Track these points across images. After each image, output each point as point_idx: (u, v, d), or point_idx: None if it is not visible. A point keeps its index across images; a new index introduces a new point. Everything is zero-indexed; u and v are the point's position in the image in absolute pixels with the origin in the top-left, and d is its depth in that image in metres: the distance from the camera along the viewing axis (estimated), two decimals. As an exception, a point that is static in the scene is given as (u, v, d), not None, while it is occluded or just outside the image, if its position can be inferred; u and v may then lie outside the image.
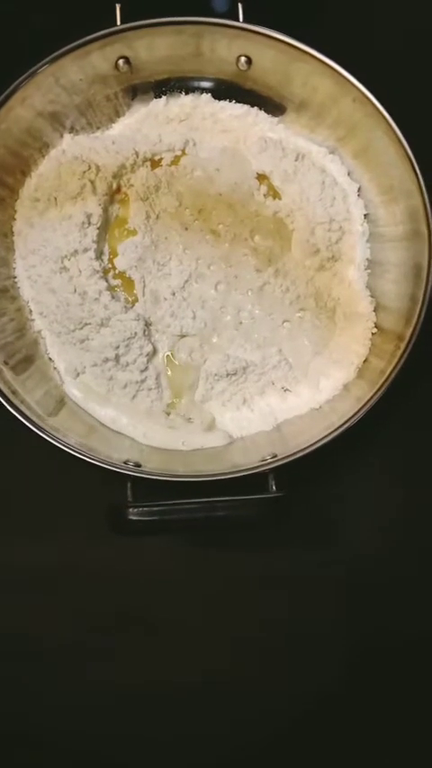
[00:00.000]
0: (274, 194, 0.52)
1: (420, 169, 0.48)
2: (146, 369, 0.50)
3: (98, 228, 0.50)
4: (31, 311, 0.51)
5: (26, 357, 0.50)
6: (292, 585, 0.52)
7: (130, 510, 0.42)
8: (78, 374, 0.50)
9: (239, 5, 0.49)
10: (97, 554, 0.51)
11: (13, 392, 0.46)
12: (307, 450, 0.46)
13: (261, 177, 0.52)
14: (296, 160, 0.52)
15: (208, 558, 0.52)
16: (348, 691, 0.52)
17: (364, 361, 0.51)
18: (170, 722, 0.51)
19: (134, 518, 0.41)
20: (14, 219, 0.51)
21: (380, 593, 0.53)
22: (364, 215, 0.53)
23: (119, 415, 0.51)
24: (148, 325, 0.51)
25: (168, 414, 0.51)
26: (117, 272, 0.51)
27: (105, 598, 0.51)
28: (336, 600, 0.53)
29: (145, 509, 0.42)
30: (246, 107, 0.53)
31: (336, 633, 0.52)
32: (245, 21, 0.49)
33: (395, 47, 0.57)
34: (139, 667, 0.51)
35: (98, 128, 0.53)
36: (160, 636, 0.51)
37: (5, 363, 0.47)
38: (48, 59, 0.48)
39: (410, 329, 0.47)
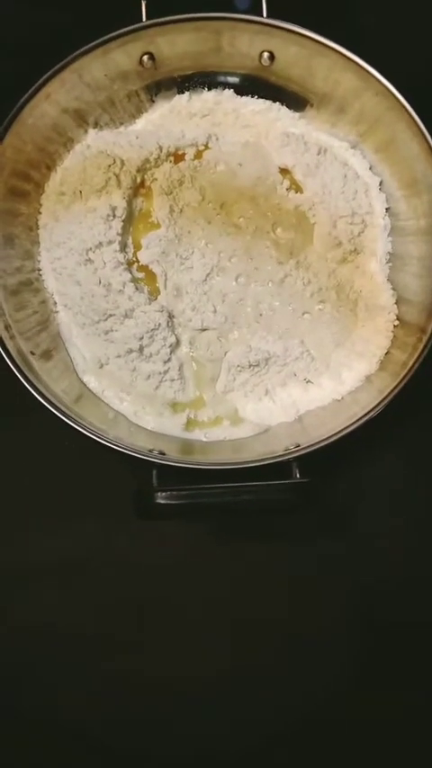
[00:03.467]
0: (297, 188, 0.53)
1: (444, 163, 0.48)
2: (169, 360, 0.51)
3: (123, 221, 0.51)
4: (55, 303, 0.52)
5: (50, 348, 0.50)
6: (312, 571, 0.52)
7: (158, 494, 0.42)
8: (102, 365, 0.51)
9: (263, 1, 0.50)
10: (122, 542, 0.51)
11: (41, 381, 0.47)
12: (330, 441, 0.46)
13: (283, 171, 0.53)
14: (318, 154, 0.52)
15: (232, 545, 0.52)
16: (365, 678, 0.52)
17: (387, 354, 0.51)
18: (192, 710, 0.51)
19: (162, 501, 0.42)
20: (40, 213, 0.52)
21: (395, 583, 0.53)
22: (386, 208, 0.53)
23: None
24: (171, 316, 0.51)
25: (177, 411, 0.51)
26: (140, 264, 0.51)
27: (128, 585, 0.51)
28: (353, 588, 0.53)
29: (173, 493, 0.42)
30: (268, 102, 0.54)
31: (353, 622, 0.52)
32: (268, 16, 0.50)
33: (418, 40, 0.57)
34: (163, 655, 0.51)
35: (121, 123, 0.54)
36: (186, 622, 0.52)
37: (32, 353, 0.48)
38: (72, 56, 0.49)
39: (433, 322, 0.48)
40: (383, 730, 0.51)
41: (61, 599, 0.51)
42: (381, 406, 0.47)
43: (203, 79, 0.54)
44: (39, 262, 0.52)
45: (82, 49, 0.49)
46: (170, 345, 0.51)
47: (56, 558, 0.52)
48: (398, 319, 0.51)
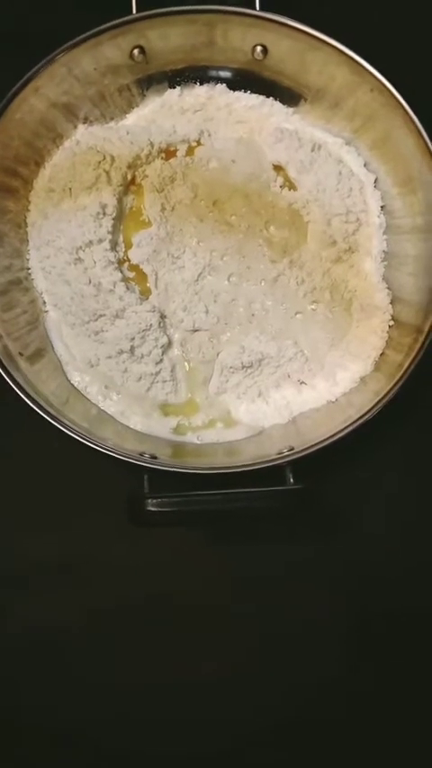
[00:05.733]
0: (290, 185, 0.52)
1: (440, 160, 0.47)
2: (161, 361, 0.50)
3: (113, 219, 0.50)
4: (44, 303, 0.51)
5: (38, 349, 0.50)
6: (307, 576, 0.52)
7: (149, 501, 0.41)
8: (93, 366, 0.50)
9: (256, -6, 0.49)
10: (113, 546, 0.51)
11: (29, 383, 0.46)
12: (324, 444, 0.45)
13: (277, 168, 0.52)
14: (312, 151, 0.51)
15: (225, 550, 0.52)
16: (365, 678, 0.52)
17: (382, 355, 0.50)
18: (191, 712, 0.51)
19: (153, 509, 0.41)
20: (28, 210, 0.51)
21: (394, 586, 0.53)
22: (381, 206, 0.52)
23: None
24: (162, 317, 0.50)
25: (168, 414, 0.51)
26: (131, 263, 0.51)
27: (121, 589, 0.51)
28: (351, 591, 0.53)
29: (164, 500, 0.41)
30: (261, 97, 0.53)
31: (350, 626, 0.52)
32: (261, 9, 0.49)
33: (413, 35, 0.56)
34: (161, 658, 0.51)
35: (112, 118, 0.53)
36: (181, 626, 0.51)
37: (20, 354, 0.47)
38: (62, 49, 0.48)
39: (429, 322, 0.47)
40: (383, 730, 0.52)
41: (55, 603, 0.51)
42: (376, 409, 0.46)
43: (195, 73, 0.53)
44: (28, 260, 0.51)
45: (71, 42, 0.48)
46: (162, 346, 0.50)
47: (48, 561, 0.51)
48: (393, 319, 0.50)
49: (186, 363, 0.51)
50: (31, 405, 0.44)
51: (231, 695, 0.51)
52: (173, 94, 0.53)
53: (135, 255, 0.50)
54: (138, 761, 0.51)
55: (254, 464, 0.45)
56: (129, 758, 0.51)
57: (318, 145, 0.52)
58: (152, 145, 0.51)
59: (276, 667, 0.52)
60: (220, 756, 0.51)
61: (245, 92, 0.53)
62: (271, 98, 0.53)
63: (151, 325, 0.49)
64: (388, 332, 0.50)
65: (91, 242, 0.49)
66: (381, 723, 0.52)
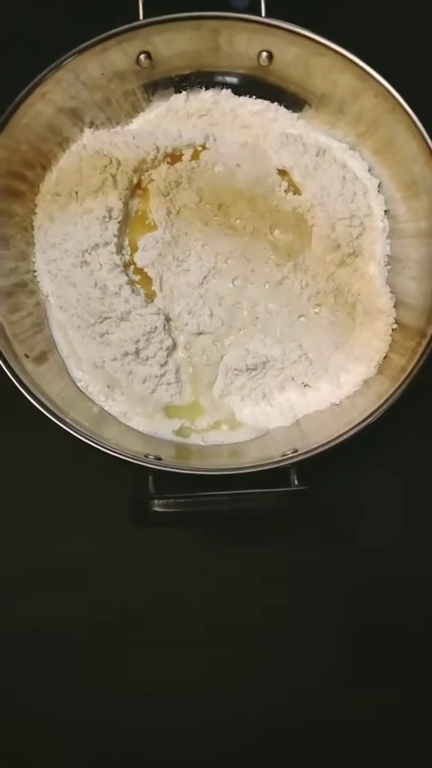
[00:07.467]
0: (295, 190, 0.52)
1: (444, 165, 0.47)
2: (165, 363, 0.50)
3: (119, 223, 0.50)
4: (50, 305, 0.51)
5: (44, 351, 0.50)
6: (311, 577, 0.52)
7: (155, 501, 0.41)
8: (98, 367, 0.50)
9: (262, 0, 0.49)
10: (117, 547, 0.51)
11: (35, 384, 0.46)
12: (328, 446, 0.46)
13: (282, 172, 0.52)
14: (317, 155, 0.52)
15: (229, 551, 0.52)
16: (363, 680, 0.52)
17: (385, 358, 0.50)
18: (187, 712, 0.51)
19: (159, 509, 0.41)
20: (35, 214, 0.51)
21: (398, 588, 0.53)
22: (385, 210, 0.52)
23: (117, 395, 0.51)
24: (168, 319, 0.51)
25: (172, 416, 0.51)
26: (137, 266, 0.51)
27: (125, 590, 0.51)
28: (354, 592, 0.53)
29: (170, 500, 0.42)
30: (266, 103, 0.53)
31: (352, 627, 0.52)
32: (267, 16, 0.49)
33: (418, 41, 0.56)
34: (161, 660, 0.51)
35: (118, 123, 0.53)
36: (182, 627, 0.51)
37: (26, 356, 0.48)
38: (69, 55, 0.48)
39: (432, 326, 0.47)
40: (384, 731, 0.52)
41: (58, 604, 0.51)
42: (379, 411, 0.46)
43: (201, 79, 0.53)
44: (34, 263, 0.51)
45: (78, 48, 0.48)
46: (167, 348, 0.50)
47: (51, 562, 0.51)
48: (396, 323, 0.50)
49: (190, 366, 0.52)
50: (37, 406, 0.44)
51: (232, 697, 0.51)
52: (178, 99, 0.53)
53: (140, 259, 0.51)
54: (138, 762, 0.51)
55: (258, 466, 0.45)
56: (129, 760, 0.51)
57: (322, 150, 0.52)
58: (158, 149, 0.51)
59: (279, 669, 0.52)
60: (221, 759, 0.51)
61: (250, 97, 0.53)
62: (276, 103, 0.53)
63: (156, 327, 0.49)
64: (391, 335, 0.50)
65: (97, 245, 0.49)
66: (382, 724, 0.52)
